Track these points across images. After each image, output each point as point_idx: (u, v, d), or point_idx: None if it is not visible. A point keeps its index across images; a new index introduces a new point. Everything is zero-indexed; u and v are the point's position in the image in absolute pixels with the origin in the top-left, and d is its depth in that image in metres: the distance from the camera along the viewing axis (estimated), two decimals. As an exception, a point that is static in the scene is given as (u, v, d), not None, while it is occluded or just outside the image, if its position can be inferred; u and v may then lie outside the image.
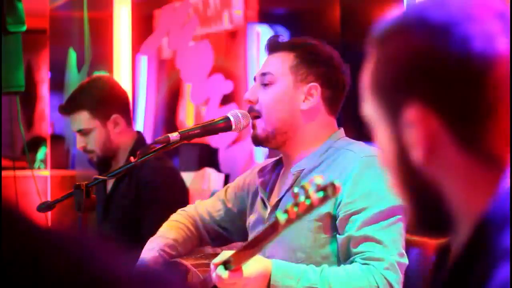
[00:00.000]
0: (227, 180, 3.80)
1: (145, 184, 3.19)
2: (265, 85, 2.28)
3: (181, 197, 3.31)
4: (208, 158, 4.00)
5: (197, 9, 4.21)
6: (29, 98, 5.92)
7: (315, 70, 2.28)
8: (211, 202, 2.51)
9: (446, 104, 1.00)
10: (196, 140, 2.38)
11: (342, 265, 2.09)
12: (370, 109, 1.05)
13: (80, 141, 3.32)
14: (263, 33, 3.77)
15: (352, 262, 2.08)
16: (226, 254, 1.98)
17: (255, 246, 1.89)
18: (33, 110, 6.08)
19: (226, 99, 3.94)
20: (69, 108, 3.34)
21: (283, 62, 2.28)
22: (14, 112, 4.61)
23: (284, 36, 2.39)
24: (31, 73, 5.96)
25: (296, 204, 1.70)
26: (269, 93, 2.27)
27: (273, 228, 1.80)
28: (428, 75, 1.00)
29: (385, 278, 2.03)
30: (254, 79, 2.34)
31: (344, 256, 2.12)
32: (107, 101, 3.30)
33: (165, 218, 3.15)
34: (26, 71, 4.89)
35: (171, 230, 2.45)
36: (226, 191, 2.51)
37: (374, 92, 1.04)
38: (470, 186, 1.00)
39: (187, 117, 4.28)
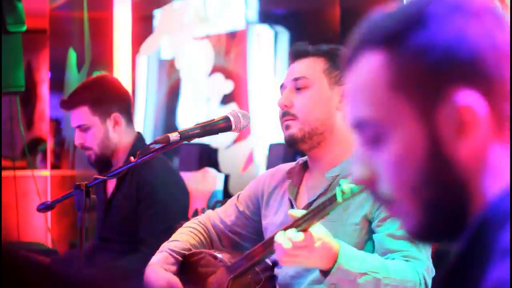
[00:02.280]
0: (227, 180, 3.81)
1: (143, 185, 3.18)
2: (299, 89, 2.28)
3: (181, 198, 3.30)
4: (208, 158, 4.01)
5: (197, 9, 4.21)
6: (29, 98, 5.92)
7: None
8: (223, 209, 2.52)
9: (492, 87, 0.98)
10: (196, 140, 2.38)
11: (388, 260, 2.11)
12: (380, 111, 1.00)
13: (78, 138, 3.32)
14: (263, 33, 3.77)
15: (387, 258, 2.10)
16: (295, 214, 1.97)
17: (315, 215, 1.91)
18: (33, 110, 6.08)
19: (226, 99, 3.94)
20: (70, 102, 3.33)
21: (315, 65, 2.29)
22: (14, 112, 4.61)
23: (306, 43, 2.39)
24: (31, 73, 5.96)
25: None
26: (305, 96, 2.27)
27: (332, 200, 1.84)
28: (472, 58, 0.98)
29: (424, 278, 2.07)
30: (282, 86, 2.33)
31: (380, 255, 2.13)
32: (109, 99, 3.29)
33: (164, 219, 3.14)
34: (26, 71, 4.89)
35: (182, 234, 2.45)
36: (239, 195, 2.51)
37: (399, 88, 0.99)
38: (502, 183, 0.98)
39: (187, 117, 4.28)
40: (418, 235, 1.03)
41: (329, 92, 2.28)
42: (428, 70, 0.98)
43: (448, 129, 0.97)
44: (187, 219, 3.24)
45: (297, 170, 2.36)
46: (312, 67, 2.29)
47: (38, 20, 5.61)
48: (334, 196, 1.86)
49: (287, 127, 2.27)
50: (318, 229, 1.96)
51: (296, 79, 2.28)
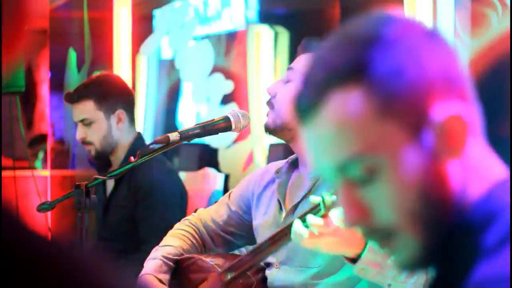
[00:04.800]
0: (227, 180, 3.80)
1: (141, 186, 3.18)
2: (288, 81, 2.28)
3: (179, 198, 3.30)
4: (208, 158, 4.00)
5: (197, 9, 4.21)
6: (29, 98, 5.91)
7: None
8: (214, 208, 2.49)
9: (463, 94, 1.00)
10: (196, 140, 2.37)
11: None
12: (371, 144, 0.97)
13: (80, 132, 3.31)
14: (263, 33, 3.77)
15: None
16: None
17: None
18: (33, 110, 6.08)
19: (226, 99, 3.94)
20: (75, 96, 3.32)
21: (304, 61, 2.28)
22: (14, 112, 4.61)
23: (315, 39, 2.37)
24: (31, 73, 5.96)
25: None
26: (287, 88, 2.27)
27: (316, 211, 1.83)
28: (442, 71, 0.98)
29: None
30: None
31: None
32: (114, 95, 3.30)
33: (161, 219, 3.14)
34: (26, 71, 4.89)
35: (174, 238, 2.42)
36: (230, 194, 2.49)
37: (385, 116, 0.96)
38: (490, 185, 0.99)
39: (187, 117, 4.28)
40: (416, 264, 1.00)
41: None
42: (407, 91, 0.96)
43: (440, 144, 0.97)
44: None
45: (285, 169, 2.35)
46: (301, 62, 2.27)
47: (38, 20, 5.60)
48: (318, 206, 1.84)
49: (266, 115, 2.31)
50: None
51: (289, 69, 2.30)
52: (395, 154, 0.97)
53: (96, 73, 3.52)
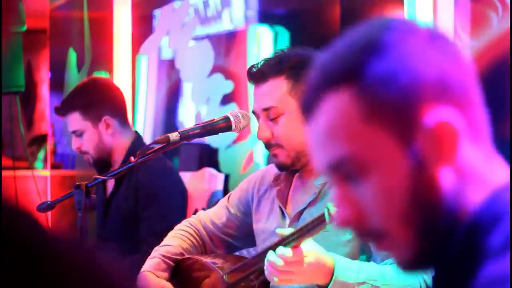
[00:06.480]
0: (227, 180, 3.80)
1: (142, 186, 3.19)
2: (272, 119, 2.24)
3: (180, 198, 3.30)
4: (208, 158, 4.00)
5: (197, 9, 4.21)
6: (29, 98, 5.92)
7: None
8: (213, 211, 2.51)
9: (460, 99, 0.99)
10: (196, 140, 2.37)
11: (386, 265, 2.10)
12: (359, 145, 0.99)
13: (75, 142, 3.34)
14: (263, 33, 3.77)
15: (385, 264, 2.09)
16: (283, 232, 1.97)
17: (304, 234, 1.91)
18: (33, 110, 6.08)
19: (226, 99, 3.94)
20: (62, 109, 3.37)
21: (278, 90, 2.23)
22: (14, 112, 4.61)
23: (261, 60, 2.32)
24: (31, 73, 5.96)
25: None
26: (281, 125, 2.24)
27: (321, 220, 1.84)
28: (436, 76, 0.98)
29: (425, 280, 2.06)
30: (254, 113, 2.29)
31: (380, 261, 2.13)
32: (98, 103, 3.31)
33: (162, 219, 3.15)
34: (26, 71, 4.89)
35: (174, 238, 2.45)
36: (229, 197, 2.50)
37: (372, 119, 0.98)
38: (486, 189, 0.99)
39: (187, 117, 4.28)
40: (412, 265, 1.01)
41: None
42: (397, 96, 0.98)
43: (430, 149, 0.97)
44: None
45: (284, 176, 2.35)
46: (276, 93, 2.23)
47: (38, 20, 5.61)
48: (323, 216, 1.85)
49: (275, 156, 2.27)
50: (309, 245, 1.96)
51: (265, 110, 2.24)
52: (383, 158, 0.98)
53: (88, 77, 3.53)
